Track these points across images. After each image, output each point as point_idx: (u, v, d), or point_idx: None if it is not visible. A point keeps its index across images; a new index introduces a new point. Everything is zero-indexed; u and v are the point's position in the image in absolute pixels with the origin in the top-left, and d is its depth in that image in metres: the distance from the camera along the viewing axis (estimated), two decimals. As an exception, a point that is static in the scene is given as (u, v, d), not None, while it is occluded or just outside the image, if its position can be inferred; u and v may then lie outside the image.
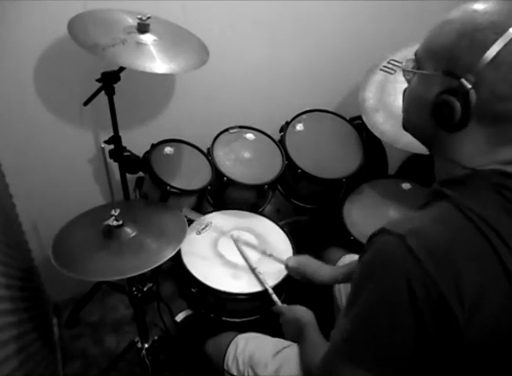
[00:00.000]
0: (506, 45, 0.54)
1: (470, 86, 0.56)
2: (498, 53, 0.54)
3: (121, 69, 1.11)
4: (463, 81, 0.56)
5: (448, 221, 0.58)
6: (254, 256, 1.31)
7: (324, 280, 1.15)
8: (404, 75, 0.69)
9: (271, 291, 1.19)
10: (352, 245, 1.41)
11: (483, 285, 0.54)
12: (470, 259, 0.55)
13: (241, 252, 1.31)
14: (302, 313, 1.02)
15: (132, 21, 1.10)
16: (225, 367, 1.02)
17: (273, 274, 1.26)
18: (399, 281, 0.55)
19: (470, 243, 0.56)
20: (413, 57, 0.67)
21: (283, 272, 1.27)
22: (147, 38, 1.07)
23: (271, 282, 1.23)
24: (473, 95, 0.56)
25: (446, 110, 0.59)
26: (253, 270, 1.25)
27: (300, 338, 0.96)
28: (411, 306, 0.54)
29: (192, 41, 1.21)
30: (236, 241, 1.34)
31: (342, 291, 1.18)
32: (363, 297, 0.59)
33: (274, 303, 1.18)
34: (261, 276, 1.22)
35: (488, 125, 0.59)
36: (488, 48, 0.54)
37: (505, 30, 0.54)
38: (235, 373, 1.00)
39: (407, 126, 0.72)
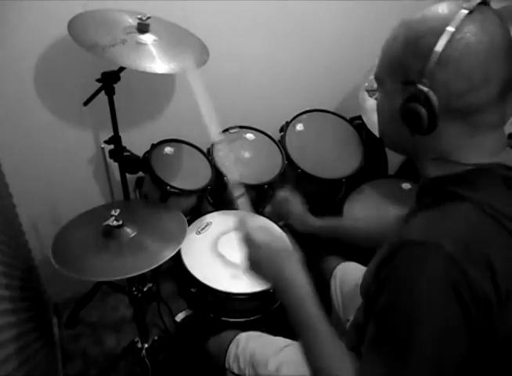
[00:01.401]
0: (448, 44, 0.57)
1: (426, 89, 0.58)
2: (442, 53, 0.57)
3: (121, 69, 1.11)
4: (419, 85, 0.59)
5: (474, 221, 0.58)
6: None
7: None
8: (370, 95, 0.71)
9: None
10: (352, 245, 1.40)
11: None
12: (500, 256, 0.56)
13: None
14: (287, 263, 0.73)
15: (132, 21, 1.10)
16: (227, 366, 1.02)
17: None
18: (447, 288, 0.54)
19: (499, 241, 0.58)
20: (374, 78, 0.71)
21: None
22: (147, 38, 1.07)
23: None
24: (432, 96, 0.59)
25: (414, 115, 0.61)
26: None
27: (287, 302, 0.71)
28: (463, 314, 0.54)
29: (192, 41, 1.21)
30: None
31: (338, 289, 1.18)
32: (418, 318, 0.56)
33: (274, 303, 1.16)
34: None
35: (458, 120, 0.61)
36: (432, 51, 0.57)
37: (442, 31, 0.57)
38: (236, 371, 1.00)
39: (385, 140, 0.74)
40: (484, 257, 0.56)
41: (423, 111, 0.60)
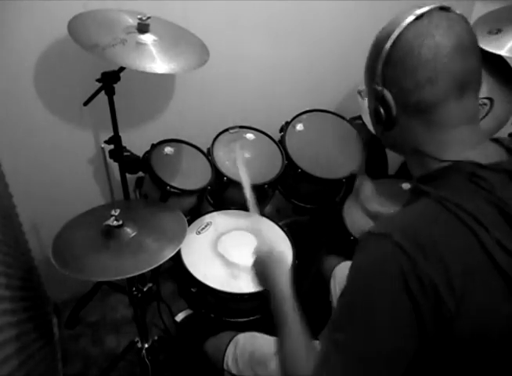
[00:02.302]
0: (393, 45, 0.63)
1: (380, 87, 0.65)
2: (389, 53, 0.63)
3: (121, 69, 1.11)
4: (374, 84, 0.66)
5: (429, 214, 0.60)
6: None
7: None
8: (362, 97, 0.76)
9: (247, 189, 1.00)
10: (352, 245, 1.40)
11: (470, 272, 0.56)
12: (454, 248, 0.56)
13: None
14: (276, 270, 0.82)
15: (132, 21, 1.10)
16: (225, 367, 1.02)
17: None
18: (394, 277, 0.56)
19: (452, 232, 0.58)
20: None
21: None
22: (147, 38, 1.07)
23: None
24: (387, 94, 0.65)
25: (375, 113, 0.68)
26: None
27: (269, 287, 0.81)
28: (409, 299, 0.55)
29: (192, 41, 1.21)
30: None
31: (337, 288, 1.18)
32: (362, 301, 0.59)
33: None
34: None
35: (417, 116, 0.65)
36: (382, 52, 0.64)
37: (390, 34, 0.63)
38: (234, 372, 1.00)
39: (382, 141, 0.77)
40: (435, 249, 0.56)
41: (379, 108, 0.66)
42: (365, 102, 0.75)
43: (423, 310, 0.55)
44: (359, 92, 0.78)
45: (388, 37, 0.63)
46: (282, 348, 0.70)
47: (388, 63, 0.64)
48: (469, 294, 0.55)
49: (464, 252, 0.56)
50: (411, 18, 0.62)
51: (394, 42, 0.63)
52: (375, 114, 0.69)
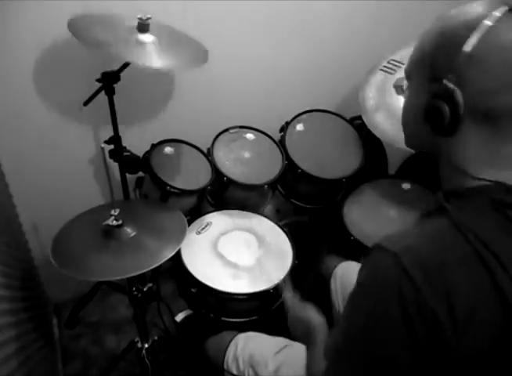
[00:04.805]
0: (480, 39, 0.54)
1: (452, 86, 0.56)
2: (474, 48, 0.54)
3: (121, 69, 1.11)
4: (445, 81, 0.56)
5: (444, 239, 0.56)
6: (255, 253, 1.31)
7: None
8: (398, 93, 0.69)
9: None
10: (352, 245, 1.41)
11: (475, 306, 0.52)
12: (463, 280, 0.53)
13: None
14: (314, 317, 0.93)
15: (132, 21, 1.09)
16: (225, 367, 1.02)
17: (276, 269, 1.26)
18: (393, 298, 0.54)
19: (464, 263, 0.54)
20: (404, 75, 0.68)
21: (286, 267, 1.27)
22: (147, 38, 1.07)
23: (276, 277, 1.24)
24: (458, 94, 0.56)
25: (436, 114, 0.59)
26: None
27: (308, 341, 0.90)
28: (404, 323, 0.53)
29: (191, 41, 1.21)
30: None
31: (338, 288, 1.18)
32: (358, 314, 0.59)
33: (273, 303, 1.17)
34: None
35: (482, 124, 0.58)
36: (463, 46, 0.55)
37: (477, 26, 0.54)
38: (235, 372, 1.00)
39: (408, 140, 0.71)
40: (443, 280, 0.53)
41: (446, 110, 0.57)
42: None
43: (417, 333, 0.52)
44: (395, 87, 0.71)
45: (469, 27, 0.55)
46: (313, 359, 0.82)
47: (470, 60, 0.54)
48: (472, 328, 0.52)
49: (473, 285, 0.53)
50: (503, 9, 0.54)
51: (483, 37, 0.54)
52: (429, 115, 0.60)
